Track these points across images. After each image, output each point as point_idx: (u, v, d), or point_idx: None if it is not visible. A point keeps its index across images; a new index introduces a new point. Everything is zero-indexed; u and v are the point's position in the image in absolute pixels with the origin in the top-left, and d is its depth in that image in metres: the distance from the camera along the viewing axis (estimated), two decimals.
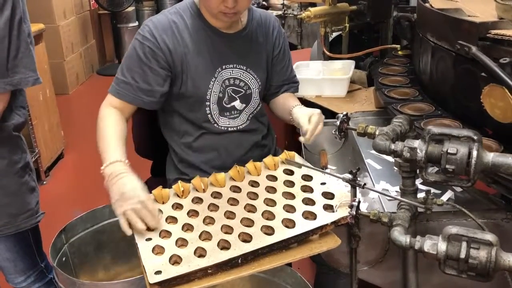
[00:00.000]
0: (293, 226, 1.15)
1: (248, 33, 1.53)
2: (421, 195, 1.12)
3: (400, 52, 2.05)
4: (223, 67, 1.48)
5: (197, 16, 1.46)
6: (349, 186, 1.16)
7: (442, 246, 0.89)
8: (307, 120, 1.39)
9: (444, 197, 1.34)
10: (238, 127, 1.55)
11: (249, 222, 1.18)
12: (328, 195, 1.26)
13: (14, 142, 1.52)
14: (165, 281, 1.03)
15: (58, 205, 2.89)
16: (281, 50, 1.60)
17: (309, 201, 1.24)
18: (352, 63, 2.15)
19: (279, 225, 1.16)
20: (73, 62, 5.21)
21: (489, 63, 1.13)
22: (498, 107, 1.13)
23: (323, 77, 2.08)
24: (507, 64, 1.11)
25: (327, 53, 2.18)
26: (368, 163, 1.55)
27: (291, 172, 1.37)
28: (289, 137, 2.19)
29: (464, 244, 0.87)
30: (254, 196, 1.28)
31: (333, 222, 1.16)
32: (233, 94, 1.51)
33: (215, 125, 1.52)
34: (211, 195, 1.30)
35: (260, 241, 1.11)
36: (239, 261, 1.08)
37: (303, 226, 1.15)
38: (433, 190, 1.33)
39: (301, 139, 1.38)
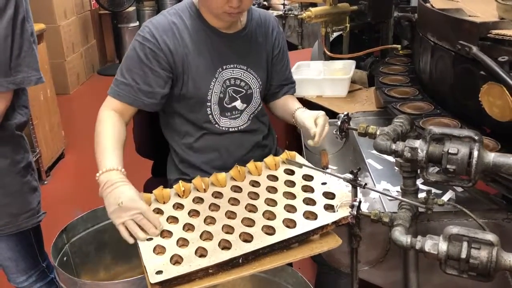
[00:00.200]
0: (294, 226, 1.15)
1: (247, 33, 1.53)
2: (422, 195, 1.12)
3: (401, 52, 2.05)
4: (224, 67, 1.48)
5: (197, 16, 1.46)
6: (350, 186, 1.16)
7: (443, 246, 0.89)
8: (313, 122, 1.39)
9: (445, 197, 1.34)
10: (239, 128, 1.54)
11: (250, 222, 1.18)
12: (329, 195, 1.26)
13: (16, 142, 1.52)
14: (166, 281, 1.03)
15: (59, 205, 2.89)
16: (281, 50, 1.61)
17: (310, 201, 1.24)
18: (352, 63, 2.14)
19: (280, 225, 1.16)
20: (74, 62, 5.22)
21: (490, 63, 1.13)
22: (496, 106, 1.14)
23: (324, 77, 2.08)
24: (505, 62, 1.11)
25: (328, 53, 2.19)
26: (369, 163, 1.55)
27: (292, 172, 1.38)
28: (290, 137, 2.19)
29: (465, 244, 0.87)
30: (255, 196, 1.28)
31: (334, 222, 1.16)
32: (234, 94, 1.51)
33: (216, 125, 1.51)
34: (212, 195, 1.30)
35: (261, 241, 1.11)
36: (240, 261, 1.08)
37: (304, 226, 1.15)
38: (434, 190, 1.33)
39: (310, 142, 1.38)
